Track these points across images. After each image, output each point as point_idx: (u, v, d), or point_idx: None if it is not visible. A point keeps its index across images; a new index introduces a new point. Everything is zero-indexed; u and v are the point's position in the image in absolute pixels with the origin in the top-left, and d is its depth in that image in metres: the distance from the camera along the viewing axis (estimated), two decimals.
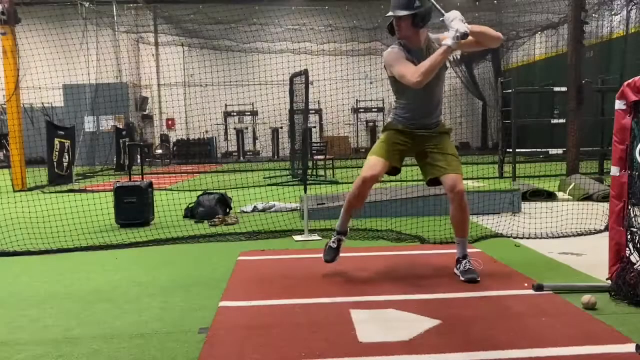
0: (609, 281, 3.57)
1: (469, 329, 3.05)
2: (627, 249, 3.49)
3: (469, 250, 4.15)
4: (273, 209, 7.62)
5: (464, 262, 4.01)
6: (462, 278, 3.92)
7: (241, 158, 22.43)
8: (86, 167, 16.99)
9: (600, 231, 5.60)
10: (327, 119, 23.12)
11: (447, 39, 3.66)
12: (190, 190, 9.82)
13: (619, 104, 3.43)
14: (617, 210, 3.50)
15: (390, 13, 3.87)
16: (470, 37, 3.75)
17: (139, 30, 22.04)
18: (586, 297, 3.31)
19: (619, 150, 3.45)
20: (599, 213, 6.09)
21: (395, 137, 4.05)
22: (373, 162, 3.99)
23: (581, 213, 6.14)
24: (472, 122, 24.46)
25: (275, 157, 22.41)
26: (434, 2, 3.80)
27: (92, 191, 10.47)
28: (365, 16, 18.82)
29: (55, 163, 12.45)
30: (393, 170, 4.13)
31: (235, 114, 23.70)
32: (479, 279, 3.89)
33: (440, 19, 3.72)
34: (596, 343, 2.80)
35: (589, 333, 2.94)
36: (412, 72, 3.71)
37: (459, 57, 22.96)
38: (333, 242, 4.17)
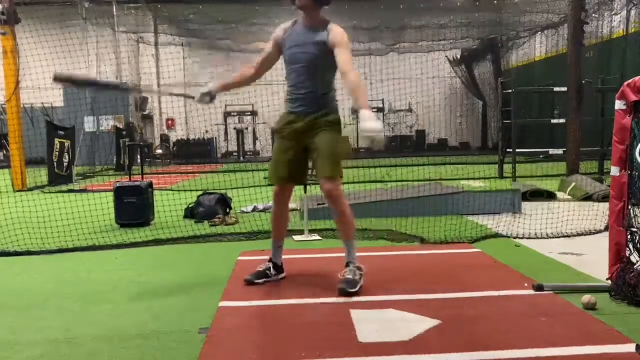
0: (609, 281, 3.57)
1: (469, 329, 3.05)
2: (627, 249, 3.49)
3: (469, 250, 4.14)
4: None
5: (346, 269, 3.75)
6: (337, 285, 3.66)
7: (241, 158, 22.43)
8: (86, 167, 16.99)
9: (600, 231, 5.61)
10: None
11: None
12: (190, 190, 9.81)
13: (619, 104, 3.43)
14: (617, 210, 3.50)
15: None
16: (340, 56, 3.70)
17: (139, 30, 22.04)
18: (586, 297, 3.31)
19: (619, 150, 3.45)
20: (599, 213, 6.09)
21: (282, 143, 3.89)
22: (275, 190, 4.00)
23: (581, 213, 6.14)
24: (472, 122, 24.50)
25: None
26: None
27: (92, 191, 10.47)
28: (365, 16, 18.83)
29: (55, 163, 12.45)
30: (297, 183, 4.06)
31: (235, 114, 23.70)
32: (351, 291, 3.60)
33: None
34: (596, 343, 2.80)
35: (589, 333, 2.94)
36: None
37: (459, 57, 23.02)
38: (267, 268, 4.01)
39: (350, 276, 3.70)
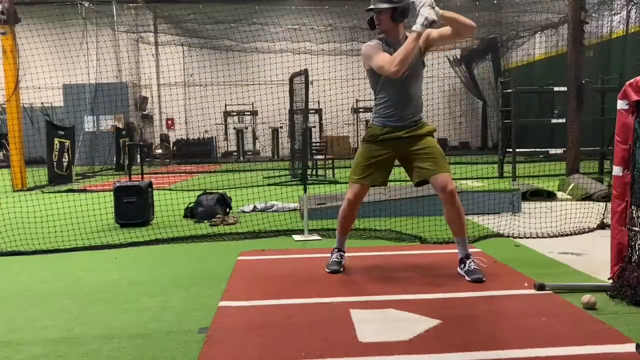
0: (611, 281, 3.57)
1: (469, 329, 3.05)
2: (629, 249, 3.49)
3: (469, 250, 4.15)
4: (273, 209, 7.62)
5: (467, 262, 3.99)
6: (467, 278, 3.90)
7: (241, 158, 22.42)
8: (86, 167, 16.99)
9: (593, 229, 5.62)
10: (327, 119, 23.12)
11: (416, 24, 3.67)
12: (190, 190, 9.82)
13: (621, 104, 3.42)
14: (620, 210, 3.50)
15: (371, 6, 3.92)
16: (447, 28, 3.80)
17: (139, 30, 22.04)
18: (586, 297, 3.31)
19: (622, 150, 3.45)
20: (599, 213, 6.09)
21: (374, 149, 4.04)
22: (353, 187, 4.10)
23: (581, 213, 6.14)
24: (472, 122, 24.50)
25: (275, 157, 22.41)
26: (417, 6, 3.76)
27: (92, 191, 10.47)
28: (365, 16, 18.79)
29: (55, 163, 12.45)
30: (381, 184, 4.16)
31: (235, 114, 23.70)
32: (484, 279, 3.87)
33: (411, 0, 3.73)
34: (596, 343, 2.80)
35: (589, 333, 2.94)
36: (389, 62, 3.73)
37: (458, 56, 23.02)
38: (336, 257, 4.29)
39: (477, 267, 3.95)
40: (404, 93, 3.96)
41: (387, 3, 3.85)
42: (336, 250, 4.33)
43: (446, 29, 3.86)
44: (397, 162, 4.17)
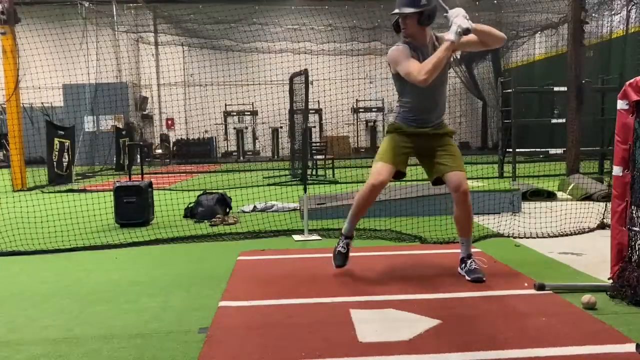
0: (611, 281, 3.56)
1: (469, 329, 3.05)
2: (629, 249, 3.49)
3: (471, 250, 4.15)
4: (273, 209, 7.62)
5: (469, 262, 4.00)
6: (467, 278, 3.91)
7: (241, 158, 22.43)
8: (86, 167, 16.99)
9: (593, 229, 5.62)
10: (327, 119, 23.12)
11: (450, 34, 3.65)
12: (190, 190, 9.82)
13: (621, 104, 3.42)
14: (620, 210, 3.50)
15: (396, 10, 3.85)
16: (472, 36, 3.78)
17: (138, 30, 22.04)
18: (586, 297, 3.31)
19: (622, 150, 3.45)
20: (599, 213, 6.09)
21: (399, 140, 4.04)
22: (380, 168, 3.98)
23: (581, 213, 6.14)
24: (472, 122, 24.48)
25: (275, 157, 22.41)
26: (440, 0, 3.79)
27: (92, 191, 10.47)
28: (365, 16, 18.84)
29: (55, 163, 12.45)
30: (398, 174, 4.11)
31: (235, 114, 23.70)
32: (484, 279, 3.88)
33: (444, 14, 3.72)
34: (596, 343, 2.80)
35: (589, 333, 2.94)
36: (418, 70, 3.70)
37: (459, 57, 22.99)
38: (342, 247, 4.16)
39: (477, 267, 3.96)
40: (430, 99, 3.96)
41: (413, 7, 3.79)
42: (343, 238, 4.17)
43: (473, 37, 3.83)
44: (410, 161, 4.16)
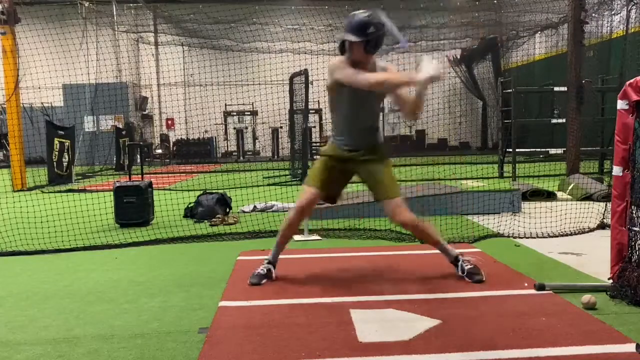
0: (611, 281, 3.57)
1: (469, 329, 3.04)
2: (629, 249, 3.49)
3: (469, 250, 4.15)
4: (273, 209, 7.62)
5: (459, 264, 3.95)
6: (467, 280, 3.87)
7: (241, 158, 22.44)
8: (86, 167, 16.99)
9: (593, 229, 5.62)
10: (327, 119, 23.12)
11: (420, 75, 3.48)
12: (190, 190, 9.82)
13: (621, 104, 3.42)
14: (620, 210, 3.50)
15: (342, 36, 3.80)
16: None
17: (139, 30, 22.05)
18: (586, 297, 3.31)
19: (622, 150, 3.45)
20: (599, 213, 6.09)
21: (329, 163, 3.99)
22: (305, 192, 3.96)
23: (581, 213, 6.14)
24: (472, 122, 24.51)
25: (275, 157, 22.42)
26: (392, 28, 3.73)
27: (92, 191, 10.47)
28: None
29: (55, 163, 12.46)
30: (330, 198, 4.08)
31: (235, 114, 23.72)
32: (484, 279, 3.86)
33: (397, 44, 3.67)
34: (596, 343, 2.80)
35: (589, 333, 2.94)
36: (368, 75, 3.67)
37: (458, 56, 23.02)
38: (262, 269, 4.03)
39: (471, 267, 3.93)
40: (363, 118, 3.91)
41: (359, 36, 3.70)
42: (266, 262, 4.06)
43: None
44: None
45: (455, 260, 3.97)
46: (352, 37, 3.73)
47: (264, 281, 3.97)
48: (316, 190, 3.92)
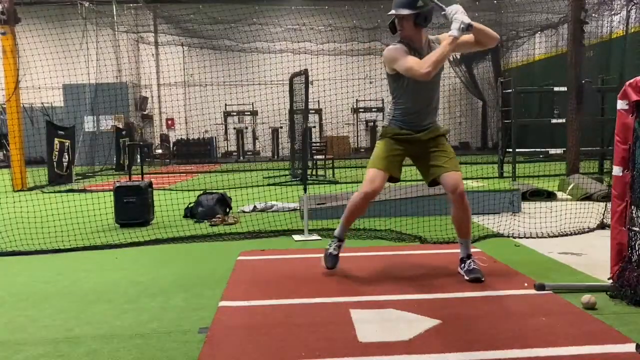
0: (611, 281, 3.56)
1: (469, 329, 3.05)
2: (629, 249, 3.49)
3: (471, 250, 4.14)
4: (273, 209, 7.62)
5: (468, 261, 3.99)
6: (466, 277, 3.91)
7: (241, 158, 22.42)
8: (86, 167, 16.98)
9: (593, 229, 5.63)
10: (327, 119, 23.12)
11: (452, 30, 3.62)
12: (190, 190, 9.82)
13: (621, 104, 3.42)
14: (620, 210, 3.50)
15: (393, 12, 3.83)
16: (470, 35, 3.78)
17: (139, 30, 22.04)
18: (586, 297, 3.31)
19: (622, 150, 3.45)
20: (599, 213, 6.09)
21: (393, 145, 4.02)
22: (373, 176, 3.97)
23: (581, 213, 6.14)
24: (472, 122, 24.49)
25: (275, 157, 22.41)
26: (437, 1, 3.79)
27: (92, 191, 10.47)
28: (365, 16, 18.82)
29: (55, 163, 12.45)
30: (392, 179, 4.10)
31: (235, 114, 23.71)
32: (483, 279, 3.88)
33: (442, 12, 3.71)
34: (596, 343, 2.80)
35: (589, 333, 2.94)
36: (420, 63, 3.67)
37: (458, 57, 23.00)
38: (334, 249, 4.17)
39: (476, 266, 3.96)
40: (425, 100, 3.96)
41: (409, 9, 3.76)
42: (336, 240, 4.20)
43: (469, 37, 3.83)
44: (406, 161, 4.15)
45: (467, 257, 4.01)
46: (402, 11, 3.77)
47: (338, 264, 4.14)
48: (382, 172, 3.96)
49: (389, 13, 3.86)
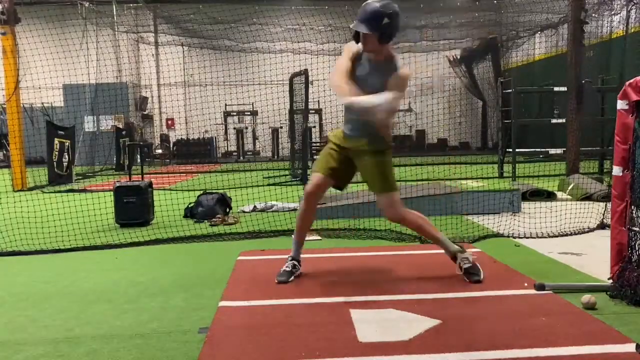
0: (611, 281, 3.56)
1: (469, 329, 3.04)
2: (629, 249, 3.49)
3: (469, 250, 4.14)
4: (273, 209, 7.62)
5: (457, 261, 3.95)
6: (466, 280, 3.87)
7: (241, 158, 22.43)
8: (86, 167, 16.99)
9: (593, 229, 5.63)
10: (327, 119, 23.12)
11: (377, 98, 3.50)
12: (190, 190, 9.82)
13: (621, 104, 3.42)
14: (620, 210, 3.50)
15: (356, 27, 3.61)
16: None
17: (139, 30, 22.05)
18: (586, 297, 3.31)
19: (622, 150, 3.45)
20: (599, 213, 6.09)
21: (331, 149, 3.96)
22: (312, 177, 3.98)
23: (581, 213, 6.14)
24: (472, 122, 24.51)
25: (275, 157, 22.42)
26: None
27: (92, 191, 10.47)
28: None
29: (55, 163, 12.45)
30: (337, 186, 4.06)
31: (235, 114, 23.72)
32: (482, 279, 3.85)
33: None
34: (596, 343, 2.80)
35: (589, 333, 2.94)
36: (335, 77, 3.62)
37: (458, 56, 23.02)
38: (287, 266, 4.05)
39: (470, 265, 3.89)
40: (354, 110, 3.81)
41: (373, 28, 3.57)
42: (290, 258, 4.08)
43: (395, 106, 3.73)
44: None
45: (453, 258, 3.97)
46: (364, 29, 3.59)
47: (291, 278, 4.00)
48: (321, 175, 3.90)
49: (351, 26, 3.66)
